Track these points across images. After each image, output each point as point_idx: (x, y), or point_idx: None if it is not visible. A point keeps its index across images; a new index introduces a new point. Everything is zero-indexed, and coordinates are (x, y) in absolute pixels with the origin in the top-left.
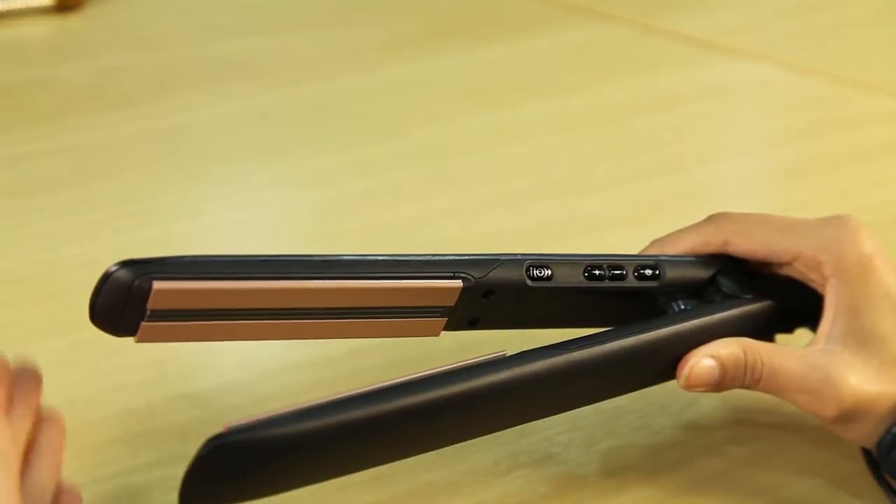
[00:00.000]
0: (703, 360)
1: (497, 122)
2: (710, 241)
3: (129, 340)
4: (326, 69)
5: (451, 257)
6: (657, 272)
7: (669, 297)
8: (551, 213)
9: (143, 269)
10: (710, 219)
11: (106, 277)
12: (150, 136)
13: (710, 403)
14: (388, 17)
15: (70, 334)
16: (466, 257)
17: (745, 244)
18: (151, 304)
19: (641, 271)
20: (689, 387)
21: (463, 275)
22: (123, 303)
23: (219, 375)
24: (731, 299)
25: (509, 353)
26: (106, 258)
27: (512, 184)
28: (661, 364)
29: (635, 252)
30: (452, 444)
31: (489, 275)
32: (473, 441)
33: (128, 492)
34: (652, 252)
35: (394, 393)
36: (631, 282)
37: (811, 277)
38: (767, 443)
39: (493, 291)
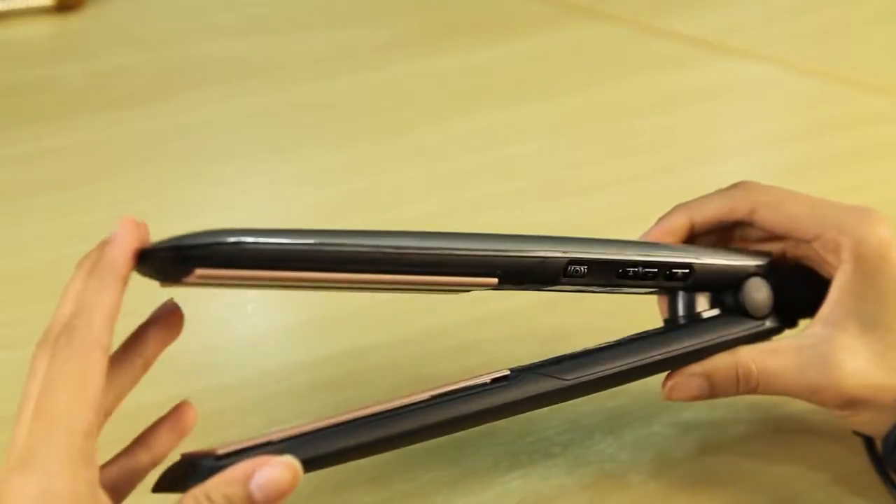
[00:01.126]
0: (689, 379)
1: (497, 122)
2: (737, 208)
3: None
4: (326, 69)
5: (492, 253)
6: (687, 273)
7: (690, 295)
8: (551, 213)
9: (188, 254)
10: (738, 185)
11: (149, 254)
12: (150, 136)
13: (711, 403)
14: (388, 17)
15: None
16: (506, 255)
17: (772, 215)
18: (192, 280)
19: (672, 271)
20: (674, 400)
21: (501, 272)
22: (164, 274)
23: (219, 375)
24: (745, 318)
25: (510, 369)
26: None
27: (512, 184)
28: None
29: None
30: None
31: (526, 272)
32: (473, 441)
33: None
34: (677, 216)
35: (389, 422)
36: (660, 282)
37: (827, 260)
38: (768, 441)
39: (525, 282)
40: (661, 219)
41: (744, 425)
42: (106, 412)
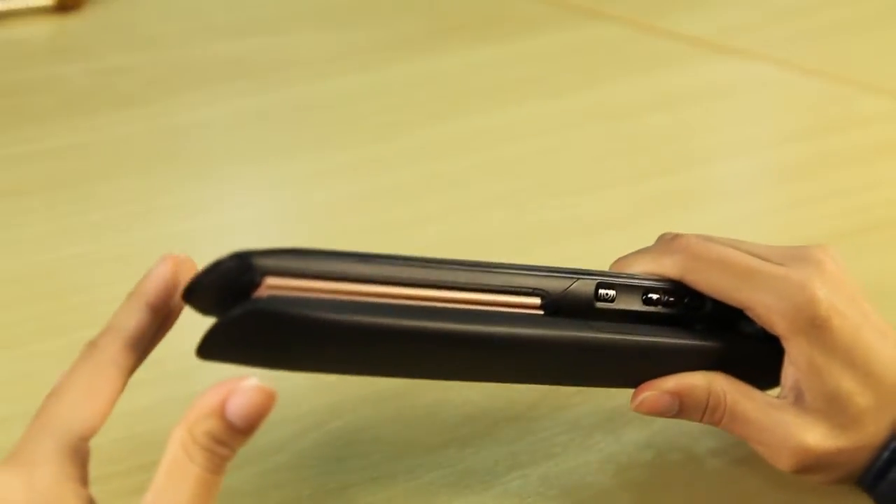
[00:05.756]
0: (661, 396)
1: (497, 122)
2: (666, 274)
3: None
4: (326, 69)
5: (533, 273)
6: (705, 303)
7: (706, 322)
8: (551, 213)
9: (256, 262)
10: (669, 246)
11: (216, 265)
12: (150, 136)
13: None
14: (388, 17)
15: (70, 334)
16: (546, 274)
17: (700, 285)
18: (256, 295)
19: (691, 300)
20: (640, 412)
21: (541, 291)
22: (226, 292)
23: (218, 375)
24: (748, 337)
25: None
26: (106, 258)
27: (512, 184)
28: (662, 370)
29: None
30: (451, 379)
31: (565, 292)
32: (474, 441)
33: (128, 492)
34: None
35: (430, 314)
36: (681, 309)
37: (766, 328)
38: None
39: (562, 308)
40: None
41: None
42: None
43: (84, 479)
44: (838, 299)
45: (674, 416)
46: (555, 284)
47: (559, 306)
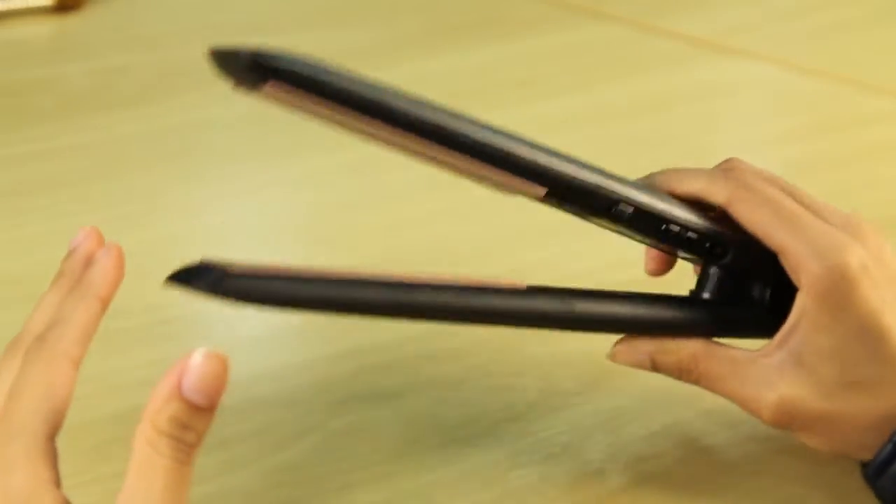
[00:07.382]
0: (635, 353)
1: (497, 122)
2: (714, 197)
3: (127, 343)
4: None
5: (548, 166)
6: (725, 251)
7: (721, 274)
8: (551, 212)
9: (267, 65)
10: (727, 173)
11: (234, 53)
12: (150, 136)
13: (711, 404)
14: (388, 17)
15: None
16: (562, 173)
17: (743, 217)
18: (265, 92)
19: (713, 246)
20: (614, 361)
21: (551, 185)
22: (240, 77)
23: None
24: (752, 304)
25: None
26: None
27: None
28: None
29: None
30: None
31: (575, 194)
32: (475, 441)
33: None
34: (661, 182)
35: (402, 288)
36: (695, 250)
37: (790, 276)
38: (768, 445)
39: (571, 203)
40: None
41: (742, 429)
42: None
43: (57, 481)
44: (876, 272)
45: (651, 371)
46: (565, 186)
47: (564, 197)
